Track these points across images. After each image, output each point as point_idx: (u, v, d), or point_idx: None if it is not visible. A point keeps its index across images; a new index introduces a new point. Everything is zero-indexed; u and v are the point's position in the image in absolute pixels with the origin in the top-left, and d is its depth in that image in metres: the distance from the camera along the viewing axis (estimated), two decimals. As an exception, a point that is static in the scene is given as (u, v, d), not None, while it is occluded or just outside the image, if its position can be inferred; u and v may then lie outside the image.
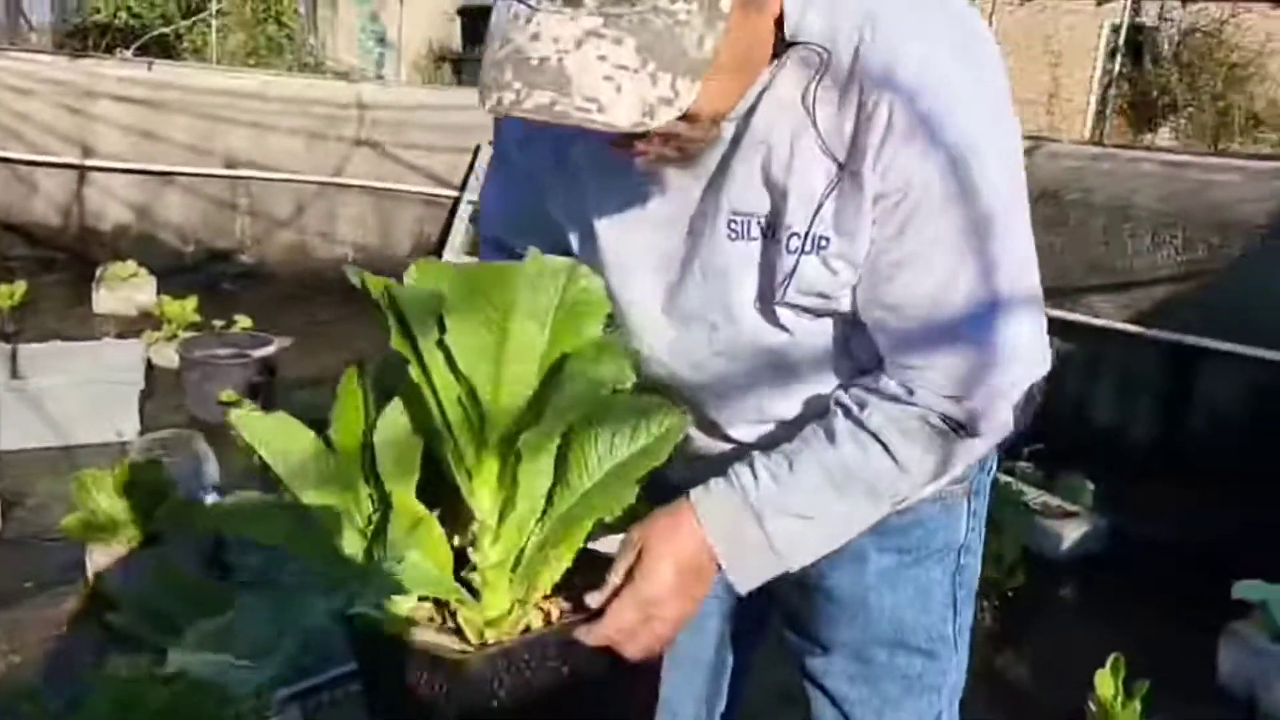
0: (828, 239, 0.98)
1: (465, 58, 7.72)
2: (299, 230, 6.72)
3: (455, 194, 6.33)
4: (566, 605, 1.08)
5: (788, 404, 1.11)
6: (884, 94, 0.92)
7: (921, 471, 1.05)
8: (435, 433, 1.03)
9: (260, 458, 1.08)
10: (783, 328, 1.06)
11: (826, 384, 1.09)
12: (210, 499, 3.17)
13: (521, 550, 1.05)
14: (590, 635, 1.02)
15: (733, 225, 1.03)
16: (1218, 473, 3.44)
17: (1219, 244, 3.73)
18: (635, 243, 1.10)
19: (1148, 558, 3.27)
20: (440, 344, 0.98)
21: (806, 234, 0.99)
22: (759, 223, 1.02)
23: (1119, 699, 2.35)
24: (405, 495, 1.04)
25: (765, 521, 1.03)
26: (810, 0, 0.93)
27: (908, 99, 0.92)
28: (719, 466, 1.07)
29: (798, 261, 1.00)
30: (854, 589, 1.20)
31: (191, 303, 5.01)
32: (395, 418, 1.05)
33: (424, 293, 0.99)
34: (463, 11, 8.43)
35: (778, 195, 1.00)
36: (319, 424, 1.10)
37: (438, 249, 6.33)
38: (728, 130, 0.99)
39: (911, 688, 1.23)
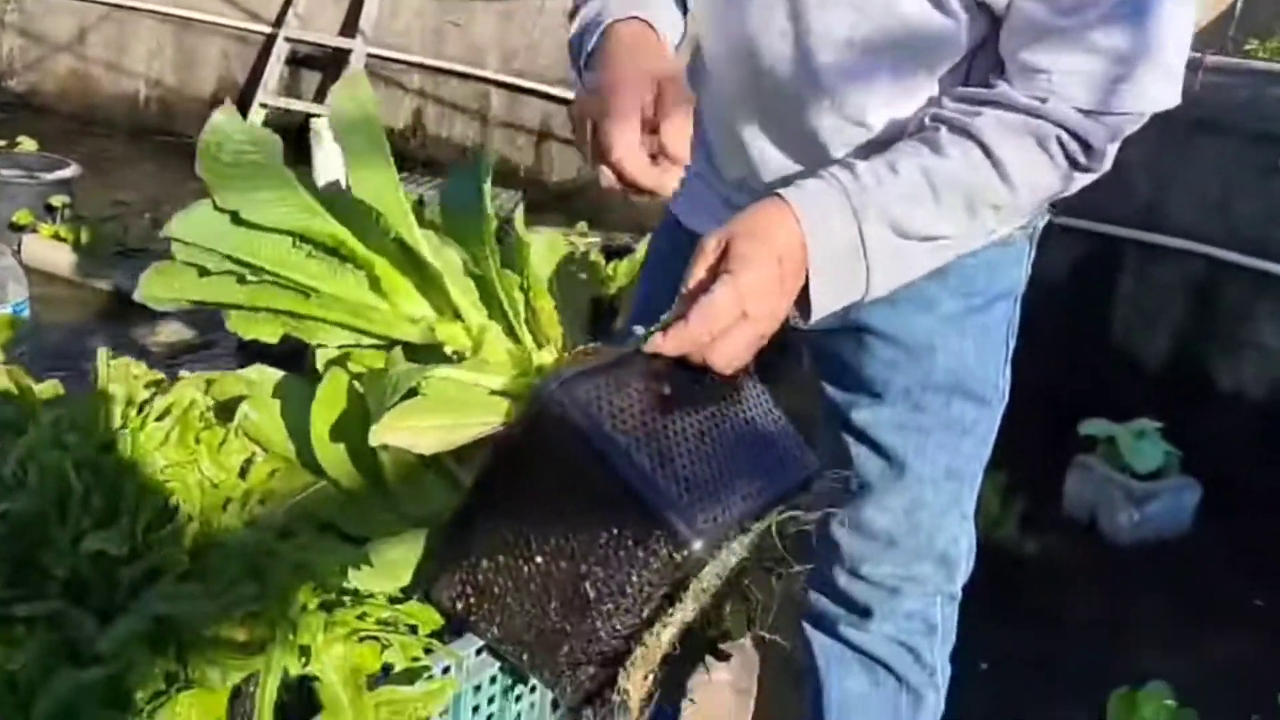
0: None
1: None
2: (80, 58, 5.94)
3: (269, 30, 5.75)
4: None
5: (891, 109, 1.04)
6: None
7: (1024, 196, 0.97)
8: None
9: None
10: (947, 12, 0.98)
11: (932, 96, 1.02)
12: (23, 315, 2.77)
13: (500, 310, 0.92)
14: (672, 338, 0.87)
15: None
16: (1059, 334, 3.67)
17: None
18: None
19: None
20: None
21: None
22: None
23: (997, 512, 2.50)
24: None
25: (864, 223, 0.94)
26: None
27: None
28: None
29: None
30: (919, 334, 1.14)
31: (-39, 118, 4.34)
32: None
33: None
34: None
35: None
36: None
37: (246, 93, 5.75)
38: None
39: (963, 437, 1.20)
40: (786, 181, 1.12)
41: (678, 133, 0.89)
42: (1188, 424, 3.09)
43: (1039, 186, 0.98)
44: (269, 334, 0.96)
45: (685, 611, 0.85)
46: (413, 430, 0.79)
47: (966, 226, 0.99)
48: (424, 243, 0.90)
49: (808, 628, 1.29)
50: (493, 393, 0.84)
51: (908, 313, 1.13)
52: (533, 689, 1.03)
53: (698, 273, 0.91)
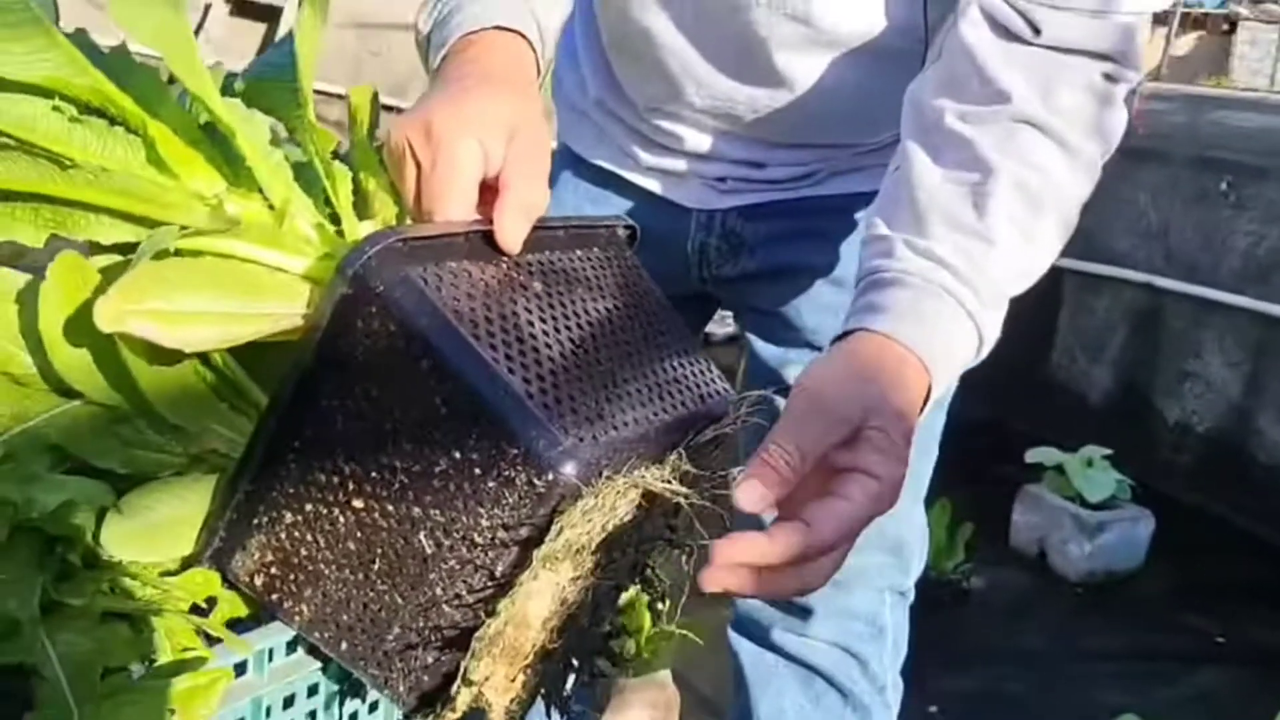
0: None
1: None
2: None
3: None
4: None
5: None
6: None
7: (1092, 159, 0.76)
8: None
9: None
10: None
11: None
12: None
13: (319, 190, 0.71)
14: (783, 540, 0.59)
15: None
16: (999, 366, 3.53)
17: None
18: None
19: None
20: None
21: None
22: None
23: (943, 544, 2.30)
24: None
25: (983, 327, 0.71)
26: None
27: None
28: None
29: None
30: None
31: None
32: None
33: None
34: None
35: None
36: None
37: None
38: None
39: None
40: (715, 100, 0.93)
41: (519, 206, 0.66)
42: (1135, 455, 2.96)
43: (1097, 142, 0.76)
44: (30, 236, 0.73)
45: (558, 572, 0.63)
46: (160, 315, 0.56)
47: (1057, 244, 0.76)
48: (216, 98, 0.68)
49: (735, 637, 1.07)
50: (290, 275, 0.62)
51: (857, 247, 0.93)
52: (375, 706, 0.79)
53: (814, 439, 0.61)
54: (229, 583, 0.70)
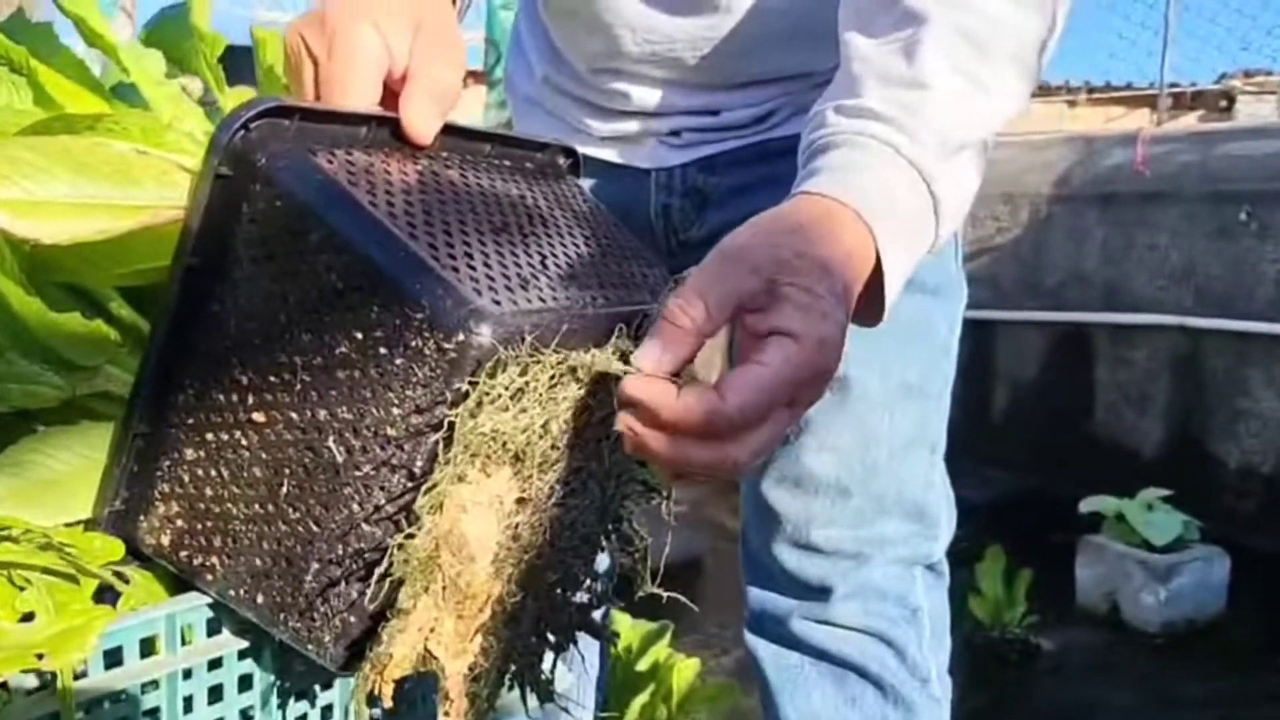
0: None
1: None
2: None
3: None
4: None
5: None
6: None
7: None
8: None
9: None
10: None
11: None
12: None
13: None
14: (691, 408, 0.51)
15: None
16: (1042, 428, 3.40)
17: (1006, 217, 3.80)
18: None
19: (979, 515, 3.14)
20: None
21: None
22: None
23: (1002, 591, 2.13)
24: None
25: (930, 174, 0.64)
26: None
27: None
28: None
29: None
30: None
31: None
32: None
33: None
34: None
35: None
36: None
37: None
38: None
39: (917, 339, 0.92)
40: (654, 45, 0.90)
41: (427, 92, 0.61)
42: (1197, 502, 2.79)
43: None
44: None
45: (493, 479, 0.54)
46: (13, 205, 0.50)
47: (1022, 85, 0.70)
48: (97, 15, 0.64)
49: (752, 640, 0.95)
50: (168, 163, 0.56)
51: None
52: (328, 711, 0.69)
53: (721, 292, 0.54)
54: (137, 555, 0.61)
